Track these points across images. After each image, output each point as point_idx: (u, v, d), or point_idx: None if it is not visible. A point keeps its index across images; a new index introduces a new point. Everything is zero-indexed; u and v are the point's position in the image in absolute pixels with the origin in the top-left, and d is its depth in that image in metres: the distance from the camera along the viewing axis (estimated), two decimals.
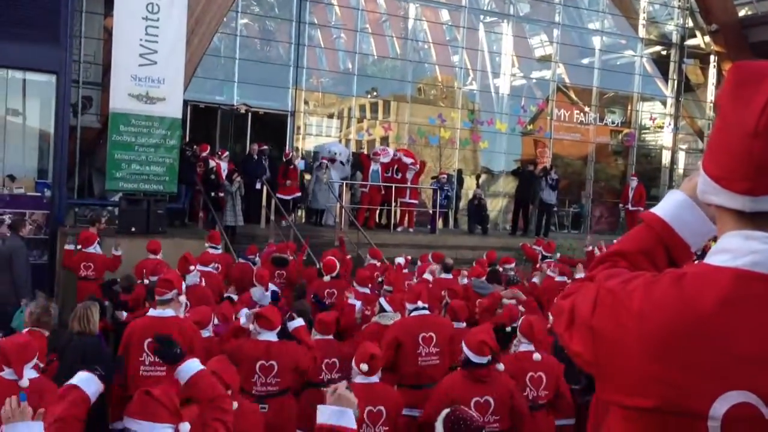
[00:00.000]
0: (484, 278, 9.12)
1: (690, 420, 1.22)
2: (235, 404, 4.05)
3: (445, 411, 3.67)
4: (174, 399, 3.21)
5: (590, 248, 12.85)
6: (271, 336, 5.46)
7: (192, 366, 3.38)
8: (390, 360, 5.91)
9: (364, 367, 4.71)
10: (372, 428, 4.60)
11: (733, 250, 1.28)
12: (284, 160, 15.59)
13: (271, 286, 8.45)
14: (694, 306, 1.24)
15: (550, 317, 6.00)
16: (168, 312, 5.59)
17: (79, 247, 9.91)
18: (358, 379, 4.77)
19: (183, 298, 5.77)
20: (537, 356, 5.34)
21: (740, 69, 1.30)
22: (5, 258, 8.74)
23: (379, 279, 9.31)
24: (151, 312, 5.73)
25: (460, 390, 4.74)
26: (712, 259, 1.32)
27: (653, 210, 1.55)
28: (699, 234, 1.51)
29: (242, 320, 5.71)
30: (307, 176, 16.42)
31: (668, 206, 1.53)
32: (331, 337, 6.02)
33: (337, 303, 8.14)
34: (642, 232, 1.54)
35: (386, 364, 5.75)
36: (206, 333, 6.01)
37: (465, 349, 4.87)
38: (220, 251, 10.40)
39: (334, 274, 8.85)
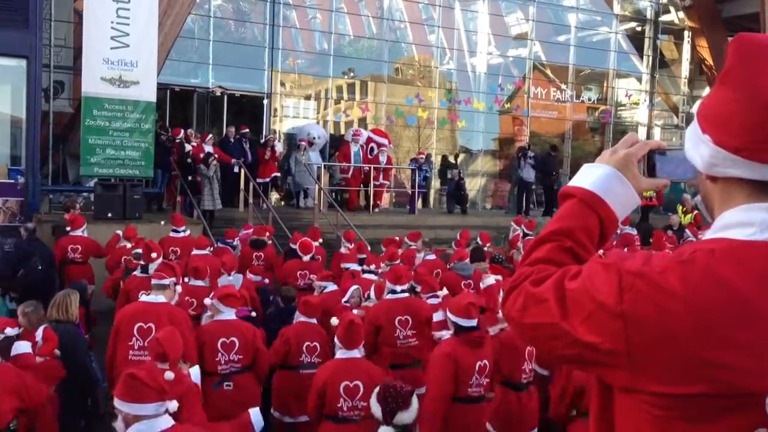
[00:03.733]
0: (467, 260, 9.10)
1: (745, 401, 1.19)
2: (171, 374, 3.91)
3: (377, 388, 3.75)
4: (159, 378, 3.28)
5: None
6: (231, 315, 5.47)
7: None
8: (371, 343, 5.92)
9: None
10: (350, 402, 4.63)
11: (758, 222, 1.26)
12: (262, 143, 15.54)
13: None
14: (738, 284, 1.21)
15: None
16: (160, 298, 5.58)
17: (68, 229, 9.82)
18: (339, 354, 4.80)
19: (179, 288, 5.75)
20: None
21: (752, 41, 1.28)
22: None
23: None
24: (144, 297, 5.74)
25: (462, 354, 4.67)
26: (732, 233, 1.28)
27: (577, 185, 1.51)
28: (626, 206, 1.50)
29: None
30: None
31: (595, 179, 1.49)
32: (314, 320, 5.96)
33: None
34: (576, 207, 1.49)
35: (368, 347, 5.78)
36: None
37: (451, 316, 4.79)
38: (183, 234, 10.22)
39: (310, 256, 8.84)
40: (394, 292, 6.20)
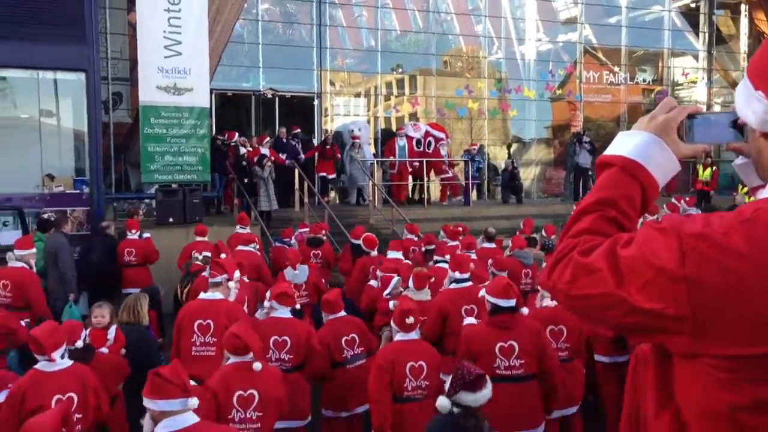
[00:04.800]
0: (526, 248, 9.04)
1: None
2: (259, 365, 4.33)
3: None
4: (182, 376, 3.38)
5: None
6: (285, 313, 5.52)
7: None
8: (437, 333, 5.90)
9: (409, 320, 4.77)
10: (414, 381, 4.70)
11: None
12: (322, 141, 15.73)
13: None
14: None
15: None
16: (217, 295, 5.72)
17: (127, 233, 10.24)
18: (399, 337, 4.85)
19: (233, 284, 5.86)
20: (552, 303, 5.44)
21: None
22: (51, 255, 8.97)
23: (423, 249, 9.31)
24: (202, 295, 5.88)
25: (483, 337, 4.78)
26: None
27: (616, 153, 1.48)
28: (667, 172, 1.47)
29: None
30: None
31: (635, 147, 1.46)
32: (343, 313, 5.93)
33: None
34: (616, 175, 1.46)
35: (433, 337, 5.77)
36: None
37: (489, 298, 4.88)
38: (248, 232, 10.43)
39: (376, 249, 8.83)
40: (457, 281, 6.18)
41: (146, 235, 10.47)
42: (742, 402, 1.22)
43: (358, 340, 5.74)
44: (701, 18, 21.54)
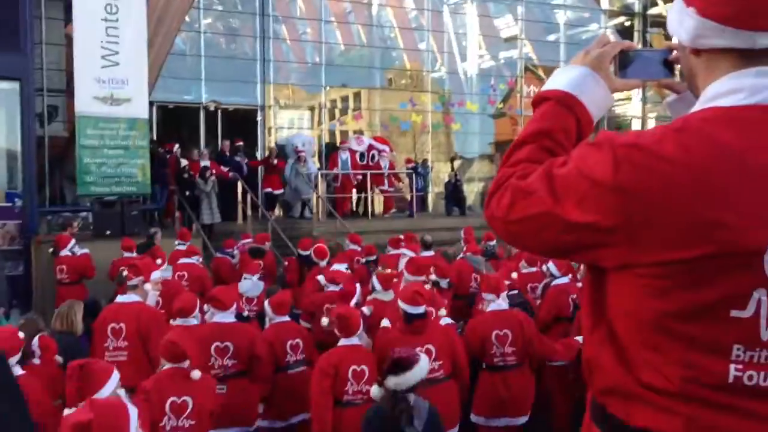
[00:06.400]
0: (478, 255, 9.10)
1: (744, 261, 1.20)
2: (197, 373, 4.22)
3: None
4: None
5: None
6: (227, 318, 5.42)
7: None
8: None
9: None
10: (356, 386, 4.69)
11: (747, 87, 1.27)
12: (267, 155, 15.62)
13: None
14: (734, 145, 1.22)
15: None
16: (133, 298, 5.65)
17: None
18: (342, 342, 4.83)
19: (149, 286, 5.77)
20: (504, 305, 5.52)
21: None
22: None
23: (363, 260, 9.33)
24: (118, 298, 5.82)
25: (399, 344, 4.77)
26: (721, 101, 1.29)
27: (552, 87, 1.50)
28: (601, 106, 1.50)
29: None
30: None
31: (570, 80, 1.49)
32: (288, 318, 5.90)
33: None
34: (553, 108, 1.48)
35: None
36: (193, 321, 5.90)
37: (401, 304, 4.93)
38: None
39: (326, 260, 8.75)
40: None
41: (84, 250, 10.15)
42: (670, 309, 1.25)
43: (302, 347, 5.70)
44: (635, 36, 22.27)
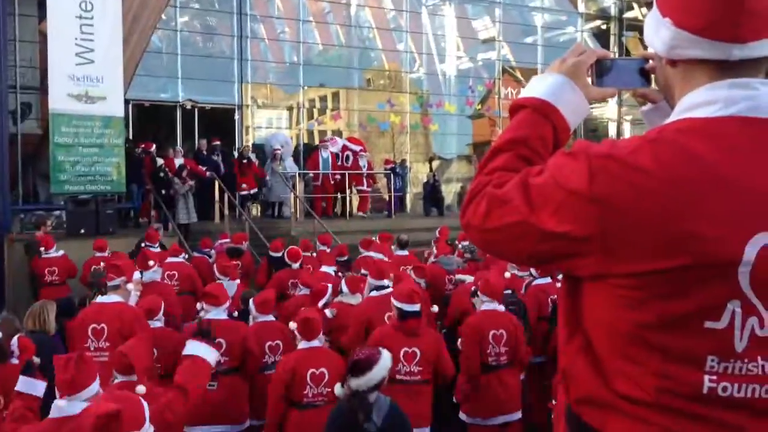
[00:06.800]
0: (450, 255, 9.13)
1: (719, 272, 1.20)
2: (142, 388, 3.85)
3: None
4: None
5: None
6: (219, 314, 5.39)
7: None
8: (361, 340, 5.83)
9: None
10: (315, 388, 4.66)
11: (722, 99, 1.27)
12: (238, 155, 15.46)
13: None
14: (708, 157, 1.22)
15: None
16: (114, 298, 5.57)
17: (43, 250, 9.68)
18: (301, 345, 4.80)
19: (131, 286, 5.70)
20: (501, 308, 5.57)
21: None
22: None
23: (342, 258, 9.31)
24: (99, 298, 5.73)
25: (390, 340, 4.86)
26: (697, 112, 1.29)
27: (529, 95, 1.49)
28: (577, 113, 1.49)
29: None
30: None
31: (547, 88, 1.48)
32: (272, 318, 5.88)
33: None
34: (529, 116, 1.47)
35: (356, 345, 5.70)
36: (157, 323, 5.87)
37: (395, 302, 5.01)
38: (159, 250, 10.08)
39: (299, 263, 8.70)
40: (378, 288, 6.16)
41: (60, 252, 9.99)
42: (647, 320, 1.24)
43: (281, 348, 5.67)
44: (611, 39, 22.51)
